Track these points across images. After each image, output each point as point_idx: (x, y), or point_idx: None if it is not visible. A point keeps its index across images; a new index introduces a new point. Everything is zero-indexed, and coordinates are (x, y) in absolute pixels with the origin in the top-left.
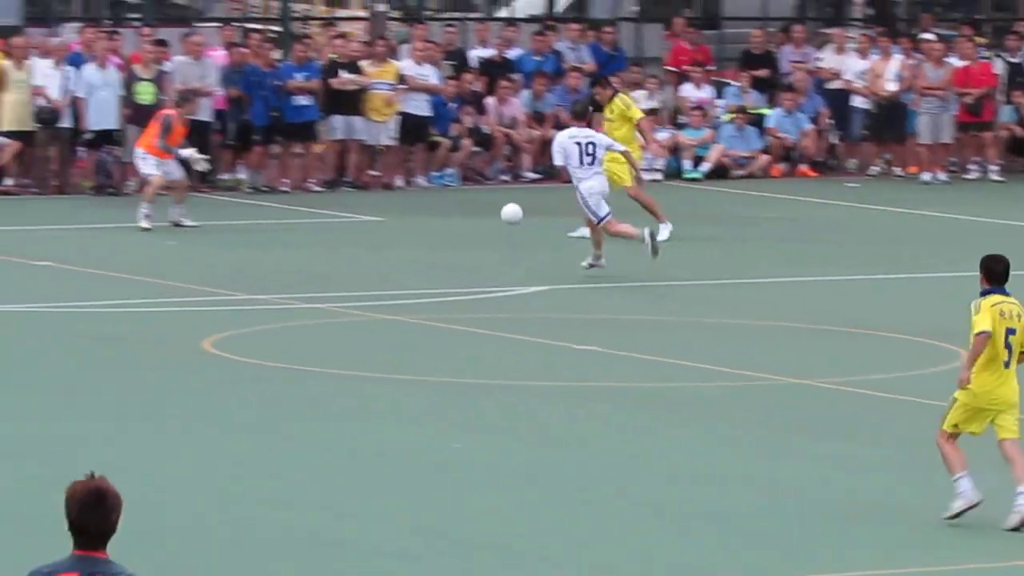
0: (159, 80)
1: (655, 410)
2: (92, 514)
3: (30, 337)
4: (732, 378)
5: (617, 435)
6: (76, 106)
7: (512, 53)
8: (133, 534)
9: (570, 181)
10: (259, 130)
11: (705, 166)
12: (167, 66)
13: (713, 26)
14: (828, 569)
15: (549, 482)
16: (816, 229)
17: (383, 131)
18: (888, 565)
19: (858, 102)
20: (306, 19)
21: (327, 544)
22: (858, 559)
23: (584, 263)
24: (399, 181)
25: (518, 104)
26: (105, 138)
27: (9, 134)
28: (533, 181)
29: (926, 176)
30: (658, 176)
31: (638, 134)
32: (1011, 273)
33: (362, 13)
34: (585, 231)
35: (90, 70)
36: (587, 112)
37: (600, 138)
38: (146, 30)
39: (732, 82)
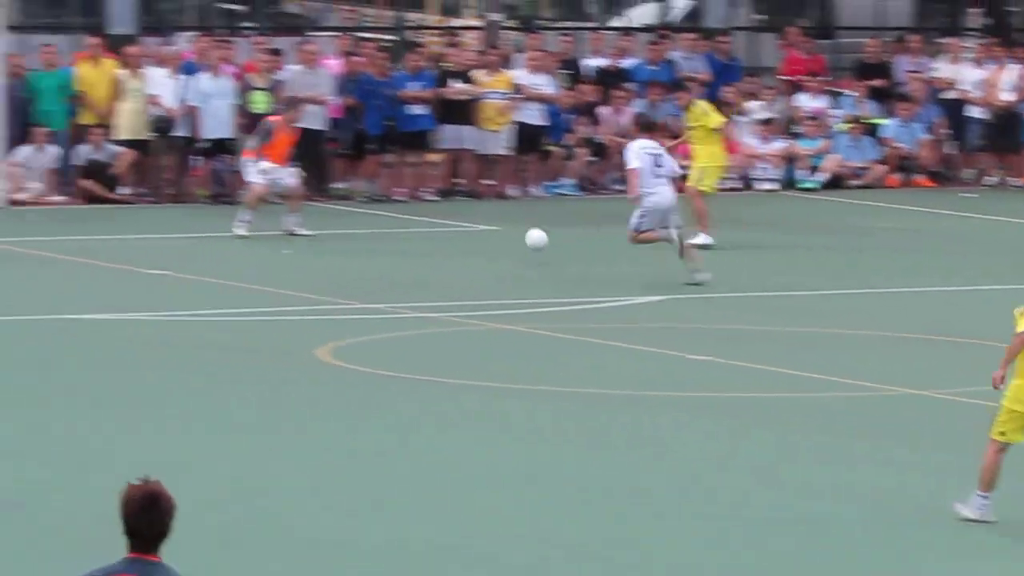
0: (273, 89)
1: (772, 421)
2: (146, 517)
3: (147, 346)
4: (849, 388)
5: (734, 446)
6: (191, 115)
7: (626, 62)
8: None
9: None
10: (373, 139)
11: (821, 176)
12: (281, 75)
13: (828, 35)
14: None
15: (664, 494)
16: (932, 240)
17: (496, 140)
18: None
19: (974, 112)
20: (420, 28)
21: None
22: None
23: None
24: (514, 191)
25: (632, 114)
26: (220, 147)
27: (125, 143)
28: None
29: None
30: (773, 186)
31: (723, 140)
32: None
33: (476, 22)
34: (704, 238)
35: (204, 79)
36: (654, 125)
37: (667, 158)
38: (260, 39)
39: (847, 92)
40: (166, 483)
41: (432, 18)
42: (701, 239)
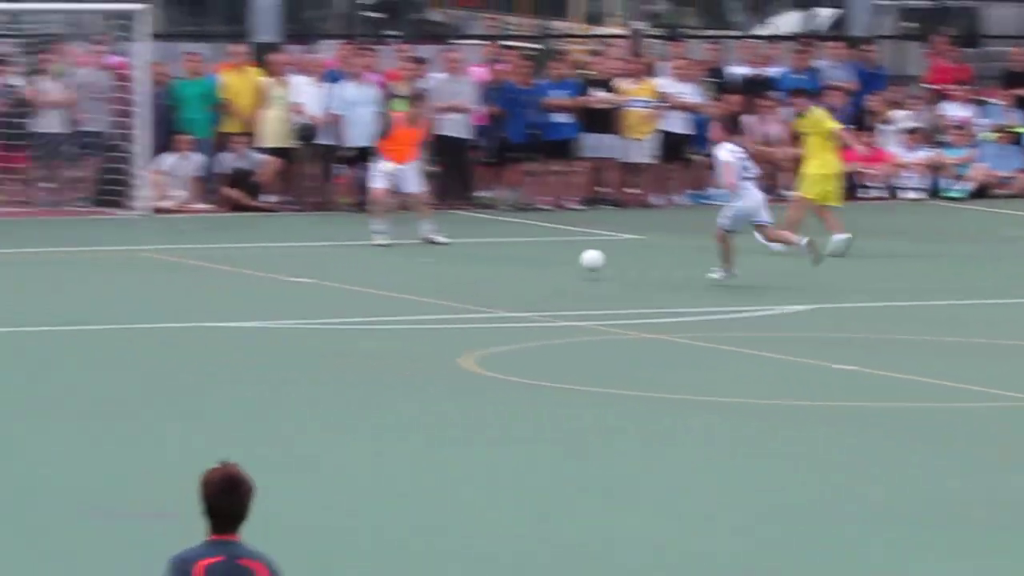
0: (416, 97)
1: (919, 432)
2: (227, 499)
3: (292, 354)
4: (997, 399)
5: (880, 458)
6: (335, 123)
7: (772, 71)
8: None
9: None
10: (517, 147)
11: (967, 185)
12: (424, 83)
13: (974, 44)
14: None
15: (809, 506)
16: None
17: (640, 149)
18: None
19: None
20: (564, 36)
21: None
22: None
23: (713, 275)
24: (658, 199)
25: (777, 122)
26: (363, 155)
27: (269, 151)
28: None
29: None
30: (919, 195)
31: (839, 147)
32: None
33: (620, 31)
34: (778, 247)
35: (348, 87)
36: (739, 128)
37: (752, 161)
38: (403, 47)
39: (993, 101)
40: (320, 492)
41: (576, 26)
42: (779, 248)
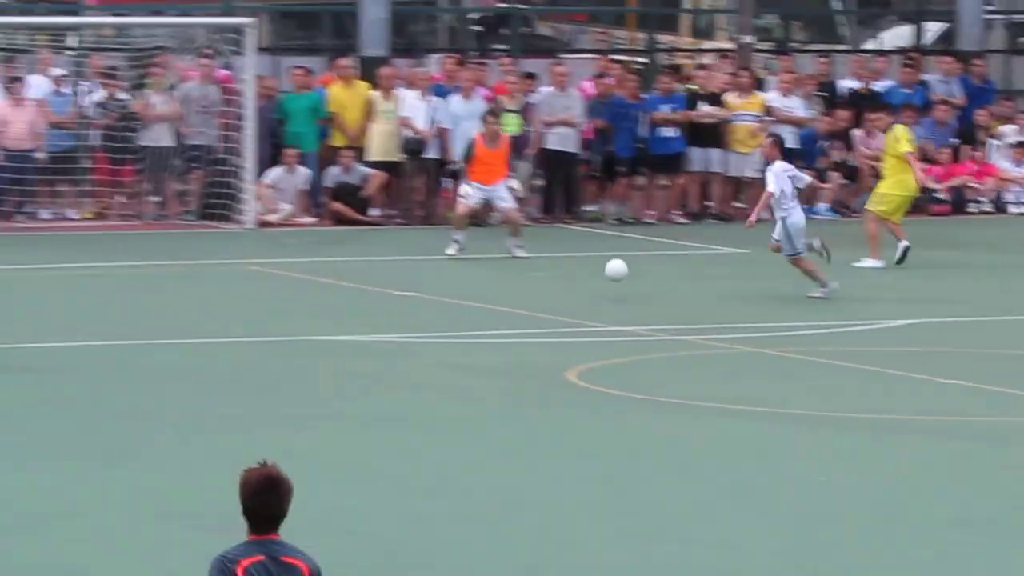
0: (525, 111)
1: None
2: (267, 498)
3: (396, 368)
4: None
5: (986, 471)
6: (442, 137)
7: (880, 85)
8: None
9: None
10: (624, 161)
11: None
12: (533, 97)
13: None
14: None
15: (914, 519)
16: None
17: (747, 163)
18: None
19: None
20: (672, 50)
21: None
22: None
23: (815, 293)
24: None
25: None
26: None
27: (376, 164)
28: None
29: None
30: None
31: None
32: None
33: (728, 45)
34: (871, 261)
35: (456, 101)
36: (783, 148)
37: (801, 175)
38: (510, 61)
39: None
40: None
41: (684, 40)
42: (869, 263)
